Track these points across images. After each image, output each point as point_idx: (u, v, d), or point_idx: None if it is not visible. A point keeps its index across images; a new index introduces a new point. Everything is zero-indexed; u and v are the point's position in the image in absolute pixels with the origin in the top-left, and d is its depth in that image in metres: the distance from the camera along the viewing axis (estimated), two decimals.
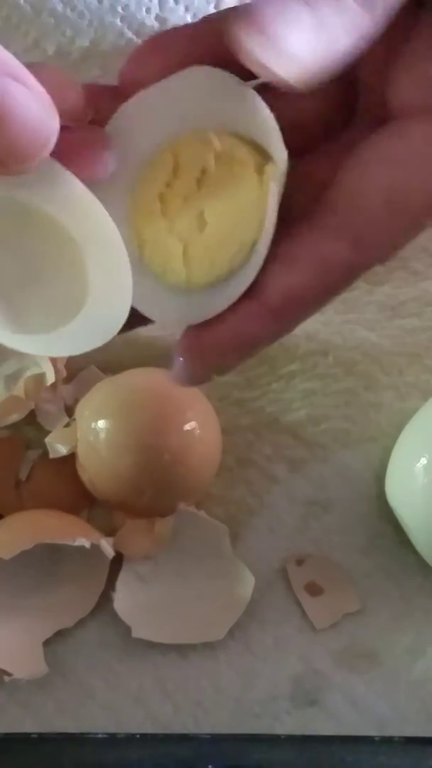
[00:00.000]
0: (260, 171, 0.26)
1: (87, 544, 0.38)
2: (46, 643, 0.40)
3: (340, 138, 0.28)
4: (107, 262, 0.26)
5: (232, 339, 0.26)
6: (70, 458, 0.41)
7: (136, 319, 0.27)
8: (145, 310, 0.27)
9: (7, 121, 0.22)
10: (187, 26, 0.27)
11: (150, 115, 0.26)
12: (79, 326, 0.26)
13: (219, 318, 0.26)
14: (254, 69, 0.24)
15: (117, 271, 0.26)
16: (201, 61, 0.26)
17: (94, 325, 0.26)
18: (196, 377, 0.27)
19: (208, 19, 0.27)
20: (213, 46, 0.25)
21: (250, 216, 0.26)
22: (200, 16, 0.44)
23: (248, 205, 0.26)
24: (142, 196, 0.27)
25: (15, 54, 0.45)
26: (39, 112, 0.23)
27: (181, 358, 0.27)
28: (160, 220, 0.27)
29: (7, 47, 0.45)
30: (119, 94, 0.27)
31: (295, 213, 0.26)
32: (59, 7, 0.43)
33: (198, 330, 0.27)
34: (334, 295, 0.26)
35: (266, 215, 0.25)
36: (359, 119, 0.28)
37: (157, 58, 0.26)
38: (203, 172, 0.26)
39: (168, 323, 0.28)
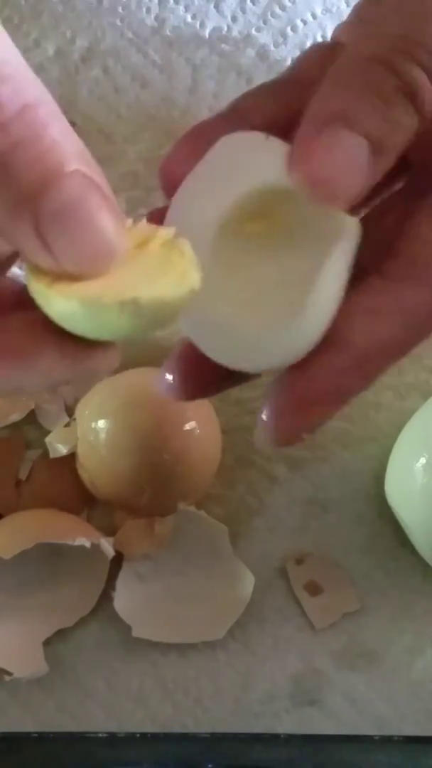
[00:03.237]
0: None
1: (87, 544, 0.38)
2: (47, 643, 0.40)
3: (397, 189, 0.28)
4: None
5: (331, 393, 0.26)
6: (70, 458, 0.41)
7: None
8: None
9: (85, 226, 0.22)
10: (217, 117, 0.28)
11: (199, 194, 0.27)
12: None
13: (309, 373, 0.26)
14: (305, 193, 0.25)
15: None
16: None
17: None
18: (290, 437, 0.26)
19: (236, 109, 0.28)
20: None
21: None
22: (200, 16, 0.44)
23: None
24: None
25: None
26: (114, 224, 0.23)
27: (270, 418, 0.26)
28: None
29: None
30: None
31: (361, 265, 0.26)
32: (60, 8, 0.43)
33: (291, 386, 0.26)
34: (419, 342, 0.27)
35: (333, 269, 0.25)
36: (416, 167, 0.29)
37: (193, 151, 0.27)
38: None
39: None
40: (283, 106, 0.28)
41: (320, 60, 0.29)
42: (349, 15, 0.30)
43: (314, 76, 0.27)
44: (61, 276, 0.23)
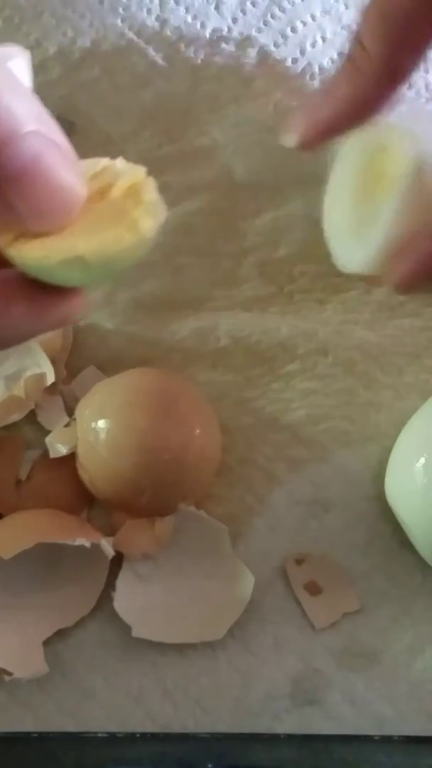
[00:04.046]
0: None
1: (87, 544, 0.38)
2: (47, 643, 0.40)
3: None
4: None
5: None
6: (70, 458, 0.41)
7: None
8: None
9: (42, 183, 0.23)
10: None
11: None
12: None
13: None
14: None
15: None
16: None
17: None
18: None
19: None
20: None
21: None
22: (201, 17, 0.44)
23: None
24: None
25: None
26: (71, 180, 0.24)
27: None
28: None
29: None
30: None
31: None
32: (60, 8, 0.43)
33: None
34: None
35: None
36: None
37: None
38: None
39: None
40: None
41: None
42: None
43: None
44: (25, 232, 0.24)
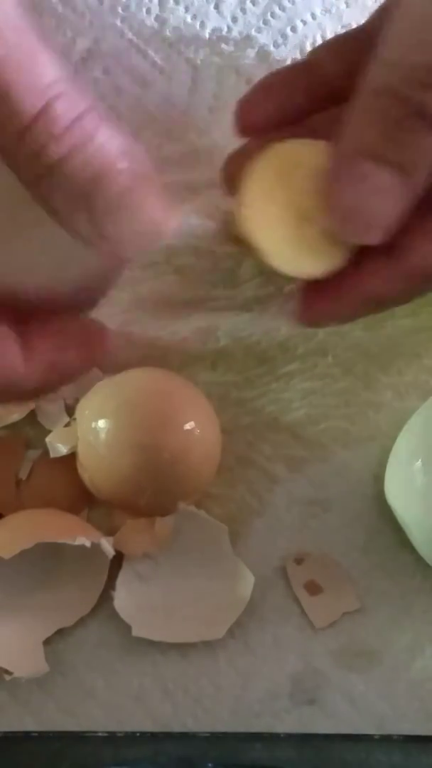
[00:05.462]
0: None
1: (87, 544, 0.38)
2: (47, 642, 0.40)
3: None
4: None
5: (370, 293, 0.30)
6: (70, 458, 0.41)
7: None
8: None
9: (130, 216, 0.25)
10: (290, 68, 0.34)
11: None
12: None
13: (352, 274, 0.29)
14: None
15: None
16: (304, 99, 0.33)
17: None
18: (319, 319, 0.32)
19: (307, 62, 0.34)
20: (313, 87, 0.33)
21: None
22: (200, 16, 0.44)
23: None
24: None
25: None
26: (160, 212, 0.26)
27: (305, 298, 0.30)
28: None
29: None
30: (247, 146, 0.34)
31: None
32: (60, 8, 0.43)
33: (330, 283, 0.30)
34: None
35: None
36: None
37: (267, 102, 0.33)
38: None
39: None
40: (348, 63, 0.32)
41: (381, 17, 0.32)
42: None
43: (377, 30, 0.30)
44: None
